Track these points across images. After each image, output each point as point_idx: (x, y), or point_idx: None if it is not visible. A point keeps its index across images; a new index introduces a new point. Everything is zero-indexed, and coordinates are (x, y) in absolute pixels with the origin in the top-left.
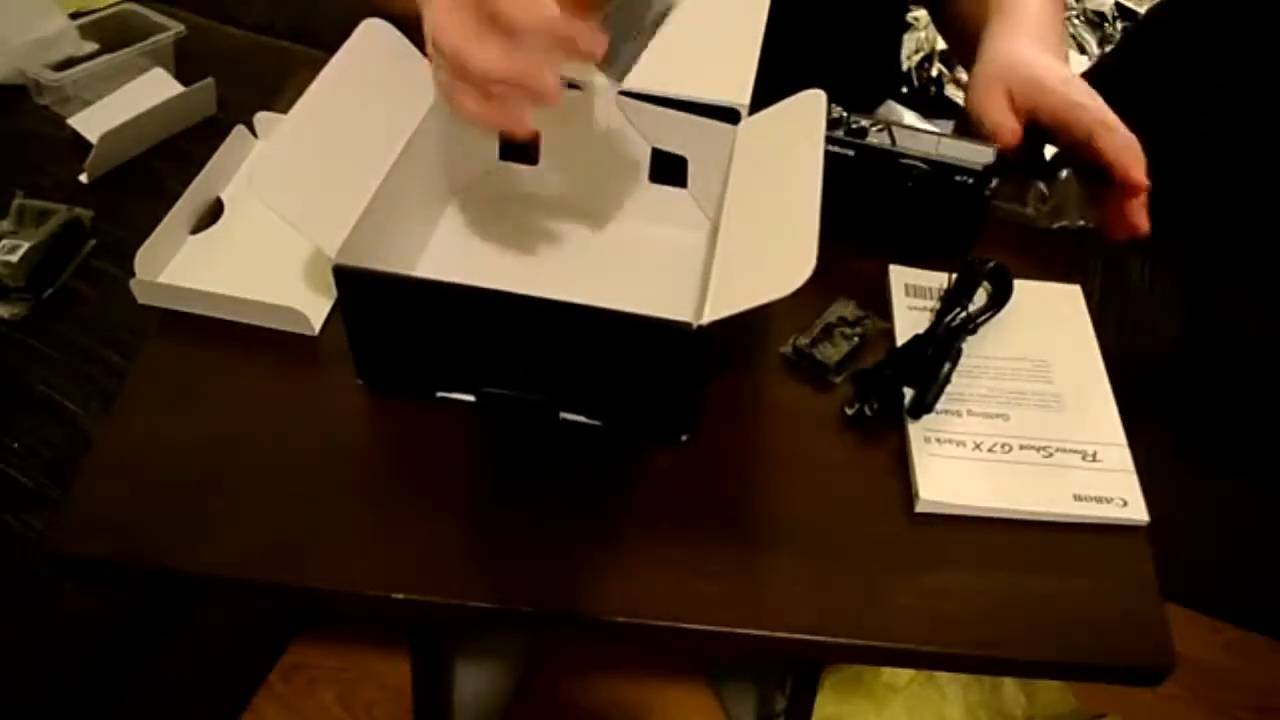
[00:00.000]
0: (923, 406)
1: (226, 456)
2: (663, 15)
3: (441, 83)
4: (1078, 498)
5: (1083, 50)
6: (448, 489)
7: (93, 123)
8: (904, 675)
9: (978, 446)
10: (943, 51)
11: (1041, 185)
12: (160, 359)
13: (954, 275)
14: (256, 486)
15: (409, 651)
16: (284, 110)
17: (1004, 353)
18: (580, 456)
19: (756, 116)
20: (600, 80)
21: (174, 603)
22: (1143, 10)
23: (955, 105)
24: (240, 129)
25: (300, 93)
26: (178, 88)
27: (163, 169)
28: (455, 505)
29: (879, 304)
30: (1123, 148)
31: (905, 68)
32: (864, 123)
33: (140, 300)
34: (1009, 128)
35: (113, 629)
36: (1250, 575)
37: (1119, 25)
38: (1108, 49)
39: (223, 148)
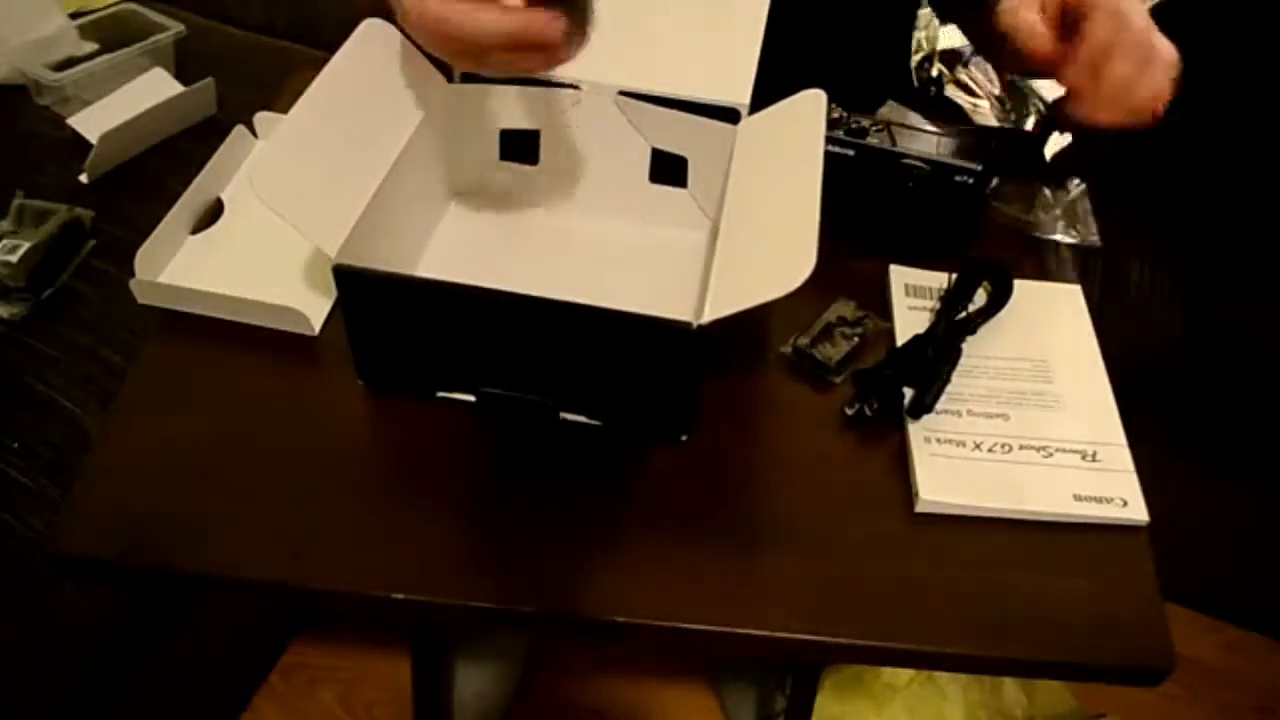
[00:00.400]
0: (922, 406)
1: (226, 456)
2: None
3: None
4: (1078, 498)
5: None
6: (448, 489)
7: (93, 123)
8: (904, 675)
9: (978, 446)
10: (943, 51)
11: (1047, 191)
12: (160, 359)
13: (954, 275)
14: (256, 486)
15: (409, 651)
16: (284, 110)
17: (1004, 353)
18: (580, 457)
19: (757, 116)
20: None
21: (174, 603)
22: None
23: (955, 105)
24: (240, 129)
25: (300, 93)
26: (178, 88)
27: (163, 169)
28: (455, 505)
29: (879, 304)
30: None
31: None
32: (864, 123)
33: (140, 300)
34: (1038, 31)
35: (113, 629)
36: (1250, 575)
37: None
38: None
39: (223, 148)
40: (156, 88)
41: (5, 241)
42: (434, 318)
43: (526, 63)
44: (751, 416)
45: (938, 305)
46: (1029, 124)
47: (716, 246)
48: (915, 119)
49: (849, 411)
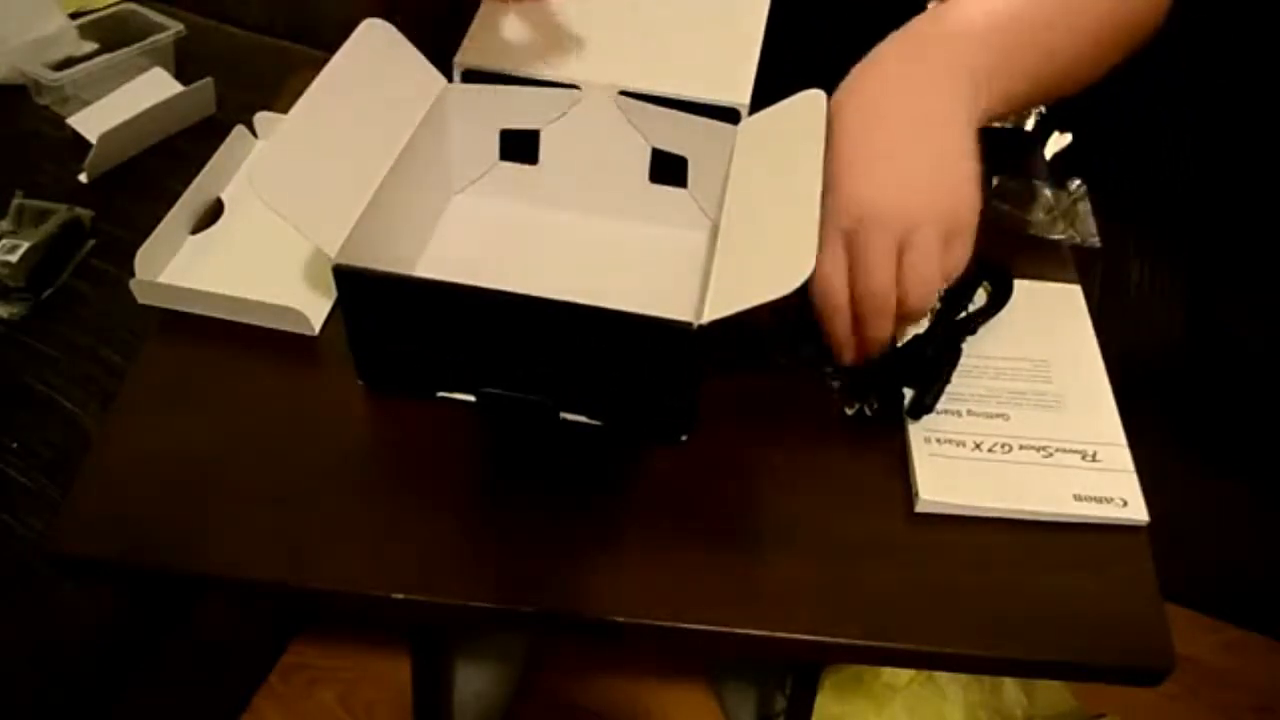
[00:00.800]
0: (923, 407)
1: (226, 456)
2: None
3: None
4: (1078, 497)
5: None
6: (448, 489)
7: (92, 122)
8: (904, 675)
9: (978, 446)
10: None
11: (1048, 192)
12: (160, 359)
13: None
14: (256, 486)
15: (409, 651)
16: (284, 110)
17: (1004, 353)
18: (580, 457)
19: (757, 116)
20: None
21: (174, 603)
22: None
23: None
24: (240, 129)
25: (300, 93)
26: (177, 87)
27: (163, 169)
28: (455, 505)
29: None
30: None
31: None
32: None
33: (140, 300)
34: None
35: (113, 629)
36: (1250, 575)
37: None
38: None
39: (223, 148)
40: (156, 88)
41: (5, 241)
42: (434, 318)
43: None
44: (752, 417)
45: (937, 305)
46: (1029, 124)
47: (716, 246)
48: None
49: (849, 412)
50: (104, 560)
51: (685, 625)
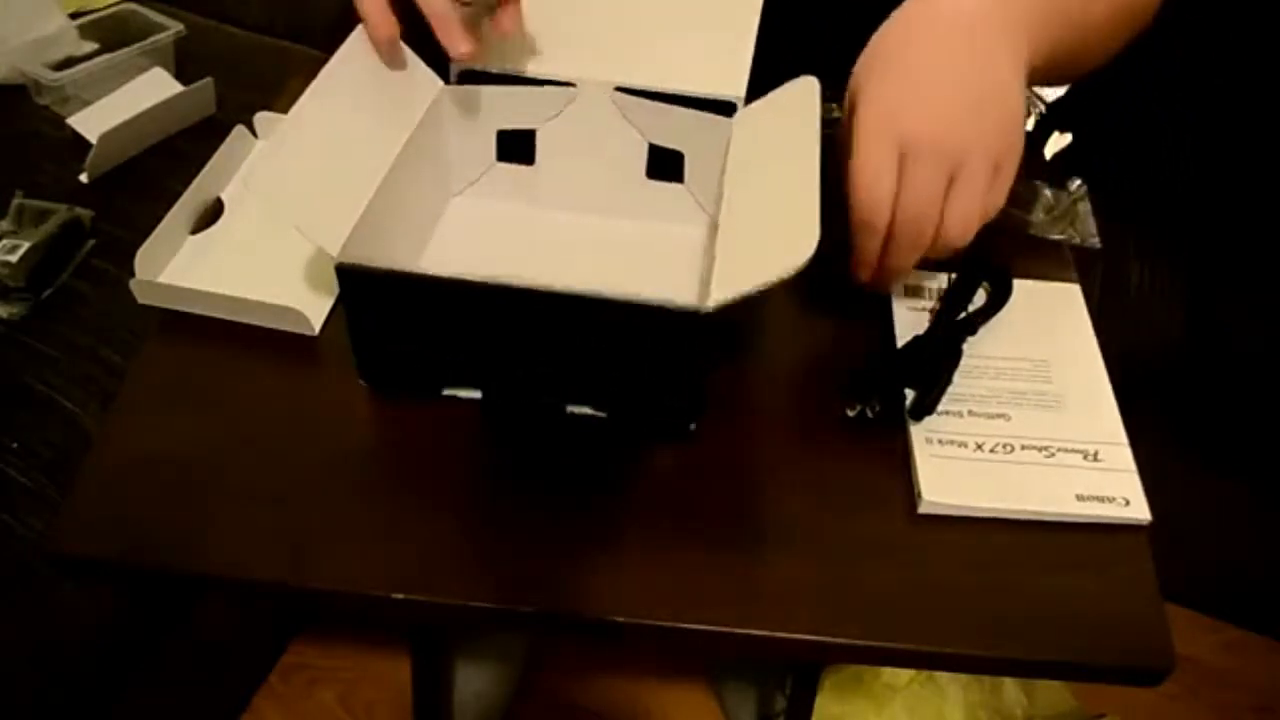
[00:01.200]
0: (924, 408)
1: (226, 456)
2: None
3: None
4: (1080, 497)
5: None
6: (448, 489)
7: (92, 122)
8: (904, 675)
9: (979, 447)
10: None
11: (1048, 192)
12: (160, 359)
13: (954, 275)
14: (256, 486)
15: (409, 651)
16: (284, 110)
17: (1004, 353)
18: (580, 457)
19: (751, 106)
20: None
21: (174, 603)
22: None
23: None
24: (240, 129)
25: (300, 93)
26: (177, 87)
27: (163, 169)
28: (455, 505)
29: (879, 304)
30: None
31: None
32: None
33: (140, 300)
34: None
35: (113, 629)
36: (1250, 575)
37: None
38: None
39: (223, 148)
40: (156, 88)
41: (5, 241)
42: (437, 314)
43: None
44: (753, 418)
45: (937, 306)
46: (1029, 124)
47: (718, 233)
48: None
49: (850, 413)
50: (104, 560)
51: (685, 625)
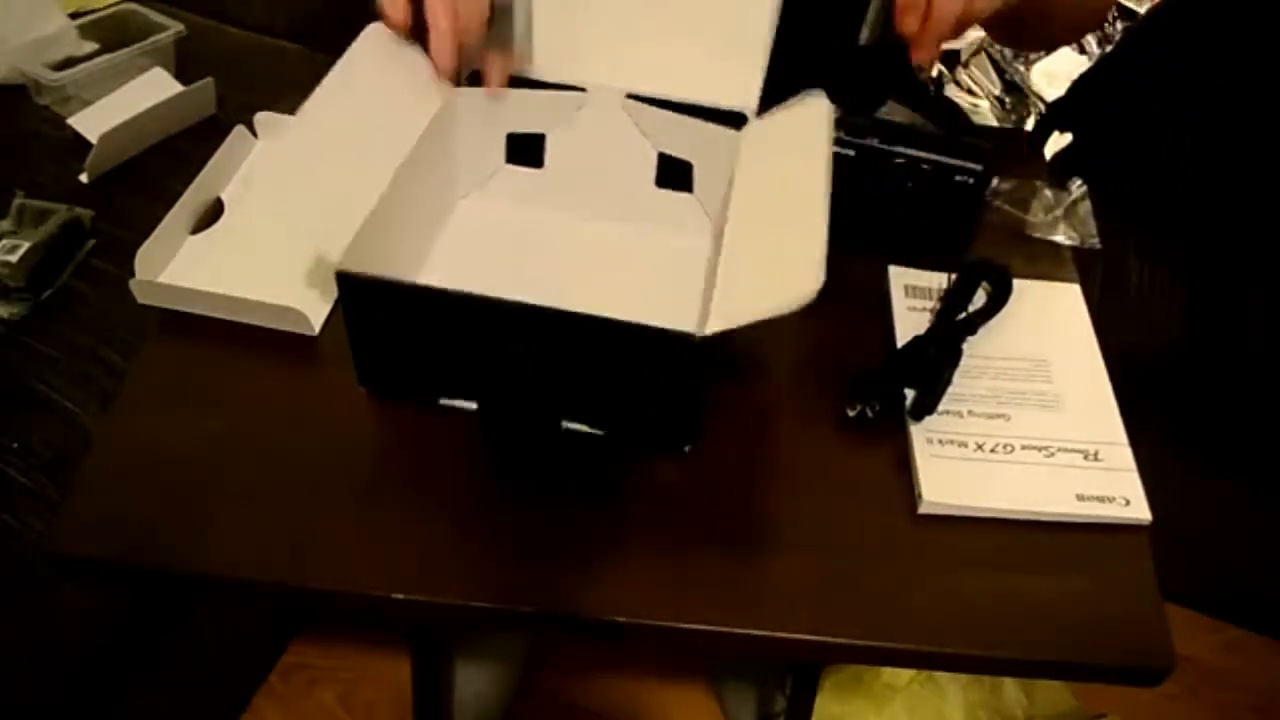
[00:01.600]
0: (924, 408)
1: (226, 456)
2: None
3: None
4: (1080, 497)
5: (1083, 50)
6: (448, 489)
7: (93, 123)
8: (904, 675)
9: (979, 447)
10: (943, 52)
11: (1048, 192)
12: (160, 359)
13: (954, 276)
14: (256, 487)
15: (409, 651)
16: (284, 110)
17: (1004, 353)
18: (581, 457)
19: (761, 120)
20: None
21: (174, 603)
22: (1143, 10)
23: (955, 105)
24: (240, 129)
25: (302, 95)
26: (177, 87)
27: (163, 169)
28: (456, 505)
29: (879, 304)
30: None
31: None
32: (864, 123)
33: (140, 300)
34: None
35: (113, 629)
36: (1250, 575)
37: (1119, 25)
38: (1107, 49)
39: (223, 148)
40: (156, 88)
41: (5, 241)
42: (437, 325)
43: None
44: (754, 418)
45: (937, 306)
46: (1029, 124)
47: (720, 257)
48: (915, 119)
49: (850, 413)
50: (104, 560)
51: (685, 625)
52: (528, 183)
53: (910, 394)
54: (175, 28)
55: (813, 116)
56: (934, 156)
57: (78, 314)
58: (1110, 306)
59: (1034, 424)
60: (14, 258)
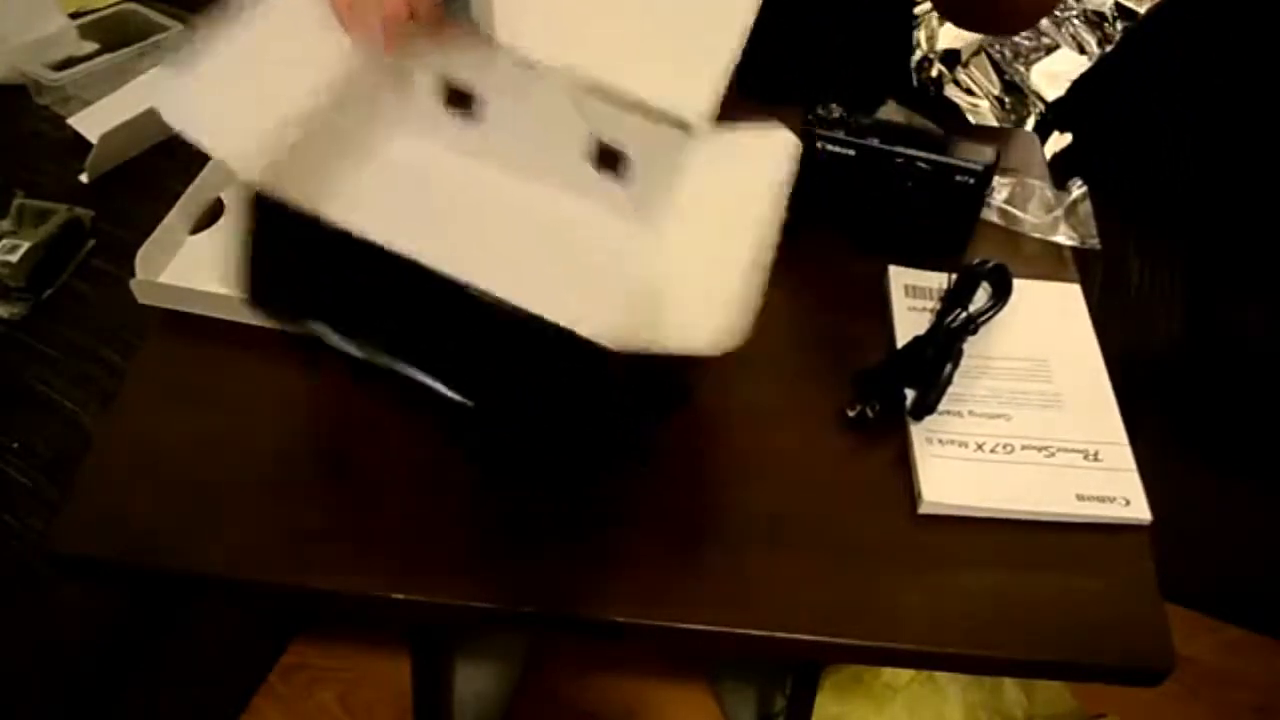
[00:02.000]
0: (924, 408)
1: (226, 456)
2: None
3: None
4: (1080, 497)
5: (1083, 50)
6: (448, 490)
7: (93, 123)
8: (904, 675)
9: (980, 447)
10: (943, 51)
11: (1048, 192)
12: (160, 359)
13: (954, 276)
14: (256, 486)
15: (409, 651)
16: None
17: (1004, 353)
18: (581, 457)
19: (718, 138)
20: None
21: (174, 603)
22: (1143, 10)
23: (955, 105)
24: None
25: None
26: None
27: (163, 169)
28: (455, 506)
29: (878, 304)
30: None
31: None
32: (864, 123)
33: (140, 300)
34: None
35: (113, 629)
36: (1250, 575)
37: (1119, 25)
38: (1108, 49)
39: None
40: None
41: (5, 241)
42: (338, 260)
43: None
44: (753, 418)
45: (937, 306)
46: (1029, 124)
47: (648, 267)
48: (915, 119)
49: (851, 413)
50: (104, 560)
51: (685, 625)
52: (463, 132)
53: (910, 394)
54: (175, 28)
55: (771, 152)
56: (934, 156)
57: (78, 314)
58: (1110, 306)
59: (1034, 424)
60: (14, 258)
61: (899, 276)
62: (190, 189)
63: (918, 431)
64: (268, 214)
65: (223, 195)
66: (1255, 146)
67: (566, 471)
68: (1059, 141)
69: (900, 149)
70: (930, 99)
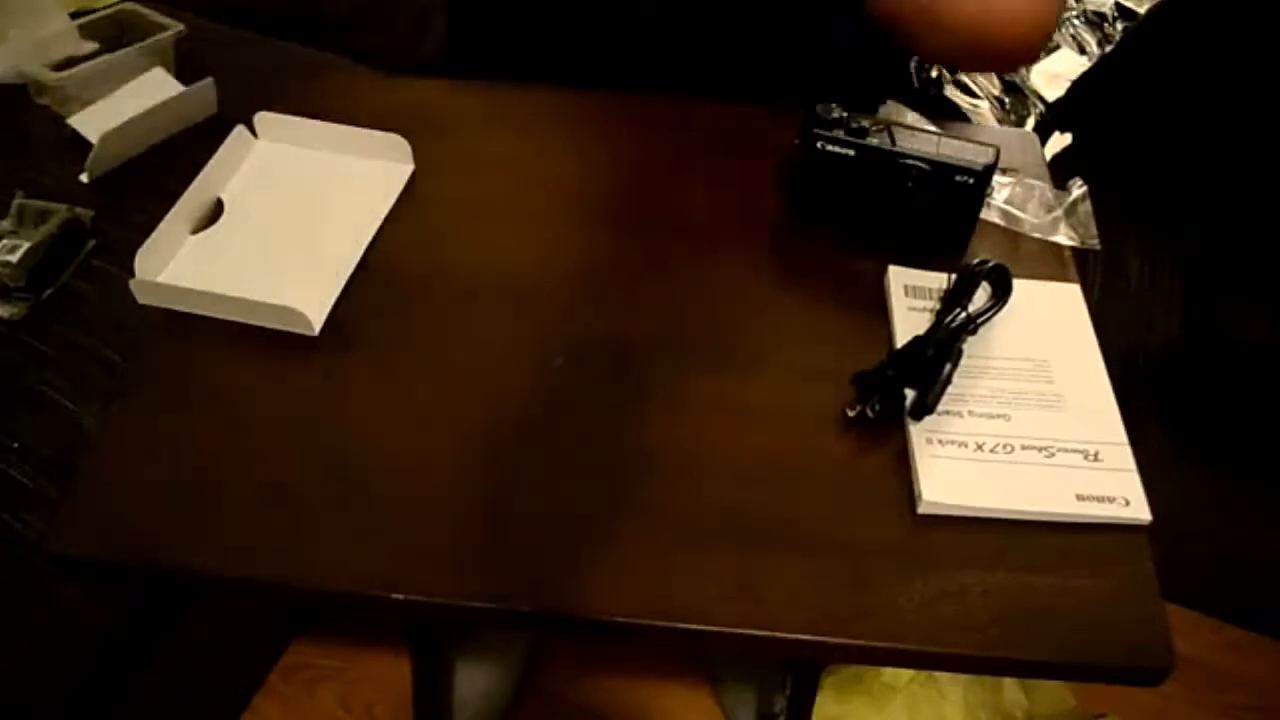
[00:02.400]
0: (924, 408)
1: (226, 456)
2: None
3: None
4: (1080, 497)
5: (1083, 50)
6: (448, 489)
7: (93, 123)
8: (904, 675)
9: (979, 447)
10: None
11: (1048, 192)
12: (160, 359)
13: (954, 276)
14: (255, 486)
15: (409, 651)
16: (284, 110)
17: (1004, 353)
18: (581, 455)
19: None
20: None
21: (174, 603)
22: (1143, 10)
23: (955, 105)
24: (240, 129)
25: (301, 93)
26: (178, 88)
27: (163, 169)
28: (456, 505)
29: (878, 304)
30: None
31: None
32: (864, 123)
33: (140, 300)
34: None
35: (113, 629)
36: (1250, 575)
37: (1119, 25)
38: (1108, 49)
39: (223, 148)
40: (156, 88)
41: (5, 241)
42: None
43: None
44: (753, 417)
45: (937, 306)
46: (1029, 124)
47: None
48: (915, 119)
49: (850, 413)
50: (104, 560)
51: (685, 625)
52: None
53: (910, 394)
54: (175, 28)
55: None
56: (934, 156)
57: (78, 314)
58: (1110, 306)
59: (1034, 424)
60: (14, 258)
61: (899, 276)
62: (190, 189)
63: (917, 431)
64: None
65: (222, 195)
66: (1255, 147)
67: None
68: (1059, 141)
69: (900, 149)
70: (930, 99)
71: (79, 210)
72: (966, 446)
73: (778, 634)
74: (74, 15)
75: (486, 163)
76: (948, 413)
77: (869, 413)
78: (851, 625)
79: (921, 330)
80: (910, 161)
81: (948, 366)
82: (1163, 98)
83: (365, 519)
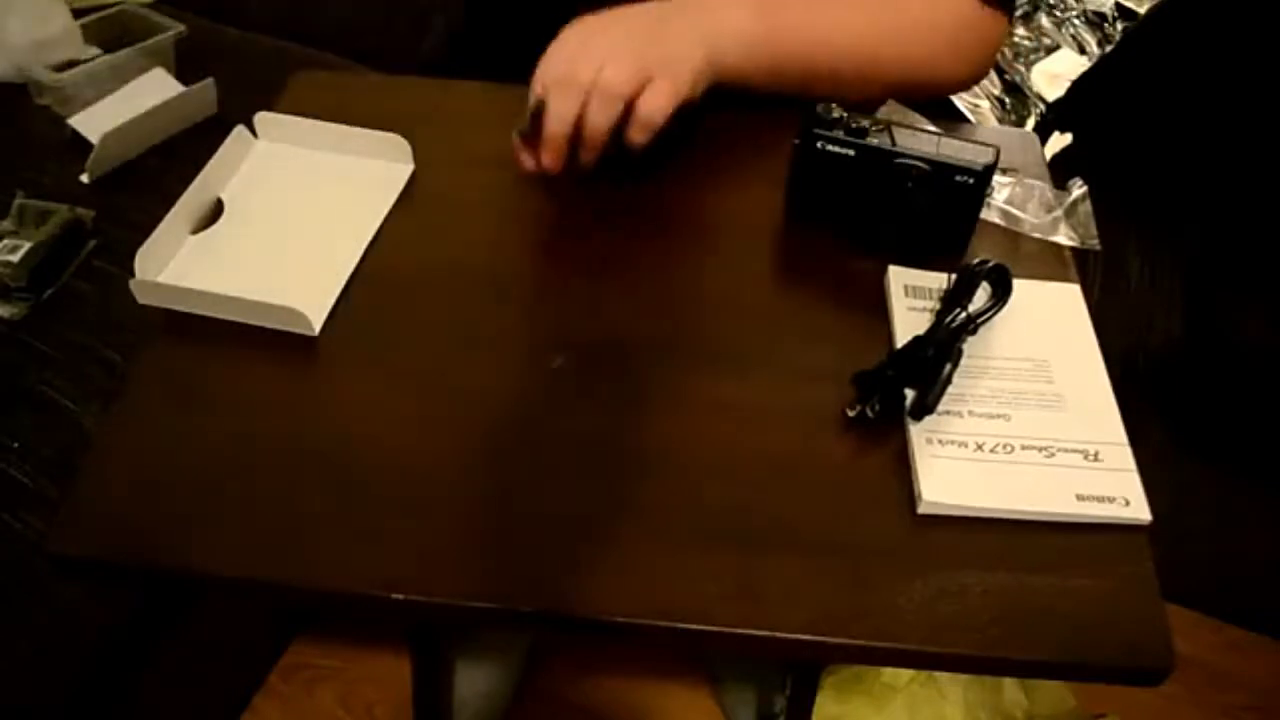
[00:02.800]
0: (924, 408)
1: (226, 456)
2: None
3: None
4: (1080, 497)
5: (1083, 50)
6: (447, 489)
7: (93, 123)
8: (904, 675)
9: (979, 447)
10: None
11: (1048, 192)
12: (160, 359)
13: (953, 276)
14: (256, 486)
15: (409, 651)
16: (284, 110)
17: (1004, 353)
18: (581, 455)
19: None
20: None
21: (174, 603)
22: (1143, 10)
23: (955, 106)
24: (240, 129)
25: (300, 92)
26: (178, 88)
27: (163, 169)
28: (455, 505)
29: (878, 304)
30: None
31: None
32: (864, 123)
33: (140, 300)
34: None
35: (113, 629)
36: (1250, 575)
37: (1119, 25)
38: (1108, 49)
39: (223, 148)
40: (157, 88)
41: (6, 241)
42: None
43: None
44: (753, 417)
45: (937, 306)
46: (1029, 124)
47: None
48: (915, 119)
49: (850, 413)
50: (104, 560)
51: (685, 625)
52: None
53: (910, 394)
54: (175, 28)
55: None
56: (934, 156)
57: (78, 314)
58: (1110, 306)
59: (1034, 424)
60: (15, 258)
61: (899, 276)
62: (190, 189)
63: (917, 431)
64: None
65: (223, 195)
66: (1255, 147)
67: None
68: (1059, 141)
69: (900, 149)
70: (930, 100)
71: (80, 210)
72: (966, 446)
73: (778, 634)
74: (75, 14)
75: (486, 163)
76: (948, 413)
77: (869, 413)
78: (851, 625)
79: (921, 330)
80: (910, 161)
81: (948, 366)
82: (1163, 98)
83: (365, 519)
